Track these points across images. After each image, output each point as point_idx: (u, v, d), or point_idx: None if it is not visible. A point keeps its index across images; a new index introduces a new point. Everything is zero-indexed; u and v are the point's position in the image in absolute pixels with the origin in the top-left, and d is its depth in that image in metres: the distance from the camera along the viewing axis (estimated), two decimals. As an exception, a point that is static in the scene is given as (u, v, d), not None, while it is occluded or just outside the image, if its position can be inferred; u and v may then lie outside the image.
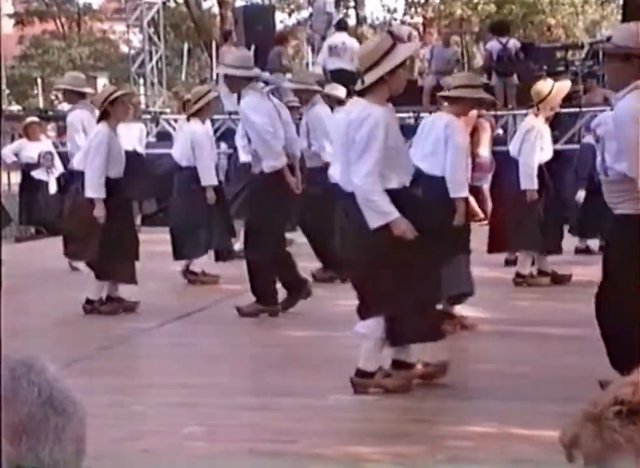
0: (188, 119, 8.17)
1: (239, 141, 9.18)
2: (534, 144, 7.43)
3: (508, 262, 8.24)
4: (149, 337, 6.26)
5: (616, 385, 1.26)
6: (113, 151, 6.79)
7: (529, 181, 7.38)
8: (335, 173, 4.88)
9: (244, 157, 8.65)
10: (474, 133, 12.12)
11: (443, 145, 5.74)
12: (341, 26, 14.47)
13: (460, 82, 6.13)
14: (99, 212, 6.64)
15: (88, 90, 8.41)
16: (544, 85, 7.57)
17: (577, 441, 1.23)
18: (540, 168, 7.49)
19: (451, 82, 6.45)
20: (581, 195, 8.86)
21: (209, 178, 7.85)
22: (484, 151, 12.30)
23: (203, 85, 10.57)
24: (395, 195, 4.49)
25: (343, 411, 4.41)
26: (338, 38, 14.15)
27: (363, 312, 4.63)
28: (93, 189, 6.68)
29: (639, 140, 4.08)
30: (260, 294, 6.63)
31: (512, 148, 7.72)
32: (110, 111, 6.78)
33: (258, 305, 6.60)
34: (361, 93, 4.60)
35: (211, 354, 5.73)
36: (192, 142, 7.86)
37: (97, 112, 7.11)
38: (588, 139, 8.53)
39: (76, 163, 6.96)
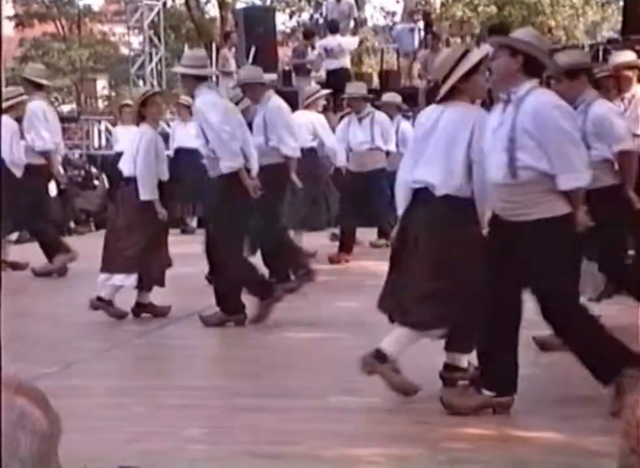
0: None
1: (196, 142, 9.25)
2: None
3: None
4: (150, 339, 6.26)
5: None
6: (159, 153, 6.82)
7: None
8: (419, 177, 4.61)
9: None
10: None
11: None
12: (334, 28, 14.51)
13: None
14: (160, 210, 6.70)
15: (45, 82, 8.50)
16: None
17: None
18: None
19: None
20: None
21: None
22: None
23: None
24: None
25: (344, 412, 4.41)
26: (332, 40, 14.24)
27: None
28: (149, 191, 6.67)
29: (568, 136, 4.10)
30: (224, 302, 6.44)
31: None
32: (144, 113, 6.77)
33: (223, 315, 6.40)
34: (442, 103, 4.58)
35: (211, 356, 5.74)
36: None
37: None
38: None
39: (127, 170, 6.88)
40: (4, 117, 8.70)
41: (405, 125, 9.96)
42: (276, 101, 7.62)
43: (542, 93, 4.24)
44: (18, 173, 8.53)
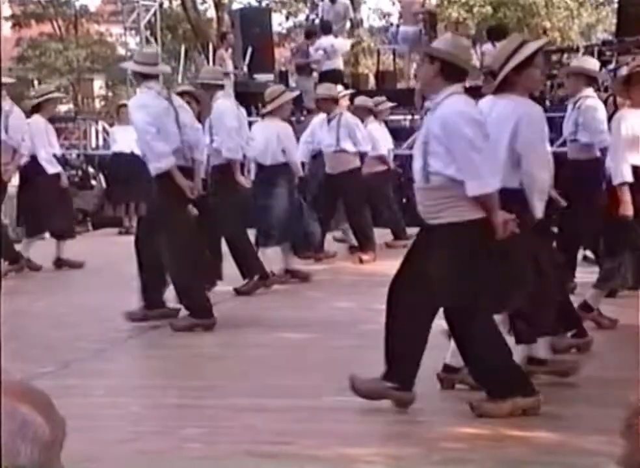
0: (262, 117, 8.24)
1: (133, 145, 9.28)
2: None
3: None
4: (147, 339, 6.27)
5: None
6: None
7: None
8: None
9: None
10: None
11: None
12: (327, 29, 14.52)
13: None
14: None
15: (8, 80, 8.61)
16: None
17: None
18: None
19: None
20: None
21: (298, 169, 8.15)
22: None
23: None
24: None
25: (340, 412, 4.43)
26: (325, 41, 14.25)
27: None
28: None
29: (471, 144, 4.12)
30: (191, 306, 6.36)
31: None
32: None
33: (192, 319, 6.31)
34: (496, 94, 4.60)
35: (208, 356, 5.75)
36: (279, 140, 7.89)
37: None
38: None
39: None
40: (36, 116, 8.91)
41: (372, 126, 9.83)
42: (221, 103, 7.60)
43: (455, 99, 4.25)
44: (51, 170, 8.86)
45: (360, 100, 10.27)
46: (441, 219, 4.20)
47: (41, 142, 8.93)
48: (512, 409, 4.25)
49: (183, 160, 6.41)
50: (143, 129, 6.32)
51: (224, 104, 7.67)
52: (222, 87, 7.84)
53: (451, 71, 4.24)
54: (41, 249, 9.12)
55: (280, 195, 7.96)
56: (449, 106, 4.22)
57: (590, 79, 7.07)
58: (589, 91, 7.08)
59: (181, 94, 7.12)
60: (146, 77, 6.52)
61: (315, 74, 14.29)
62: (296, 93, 9.96)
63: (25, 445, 1.10)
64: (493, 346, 4.28)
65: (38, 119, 9.02)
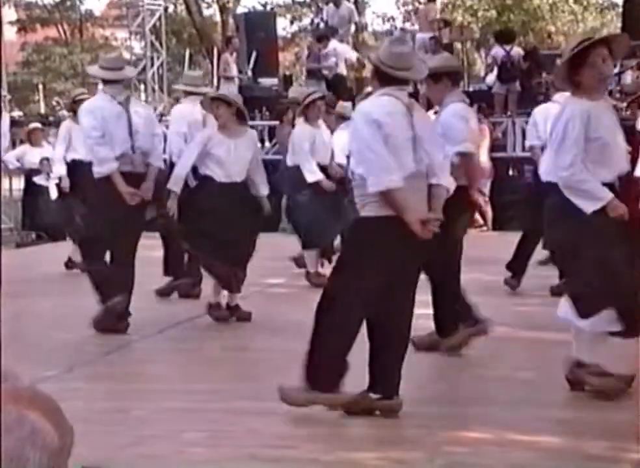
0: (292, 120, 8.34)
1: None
2: None
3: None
4: (150, 343, 6.27)
5: None
6: None
7: None
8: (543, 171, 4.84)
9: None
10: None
11: None
12: (331, 34, 14.56)
13: None
14: None
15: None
16: None
17: None
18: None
19: None
20: None
21: (314, 175, 8.09)
22: (483, 156, 12.34)
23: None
24: None
25: (343, 416, 4.42)
26: (329, 45, 14.27)
27: (586, 306, 4.52)
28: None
29: (366, 143, 4.27)
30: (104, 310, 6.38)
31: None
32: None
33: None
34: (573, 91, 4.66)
35: (211, 359, 5.74)
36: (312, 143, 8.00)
37: None
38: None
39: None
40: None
41: (339, 133, 9.17)
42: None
43: (370, 99, 4.52)
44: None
45: (338, 107, 10.14)
46: (362, 213, 4.40)
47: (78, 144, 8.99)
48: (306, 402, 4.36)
49: (131, 165, 6.40)
50: (87, 134, 6.43)
51: (180, 110, 7.99)
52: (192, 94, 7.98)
53: (381, 75, 4.43)
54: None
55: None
56: (360, 106, 4.59)
57: None
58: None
59: (212, 99, 7.13)
60: (107, 82, 6.55)
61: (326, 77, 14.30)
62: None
63: (34, 452, 1.10)
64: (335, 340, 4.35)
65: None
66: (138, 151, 6.43)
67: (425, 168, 4.37)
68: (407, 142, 4.32)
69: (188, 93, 8.00)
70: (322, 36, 14.86)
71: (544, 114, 7.63)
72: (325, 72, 14.32)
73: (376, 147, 4.24)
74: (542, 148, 7.17)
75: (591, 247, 4.45)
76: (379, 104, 4.37)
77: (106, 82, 6.56)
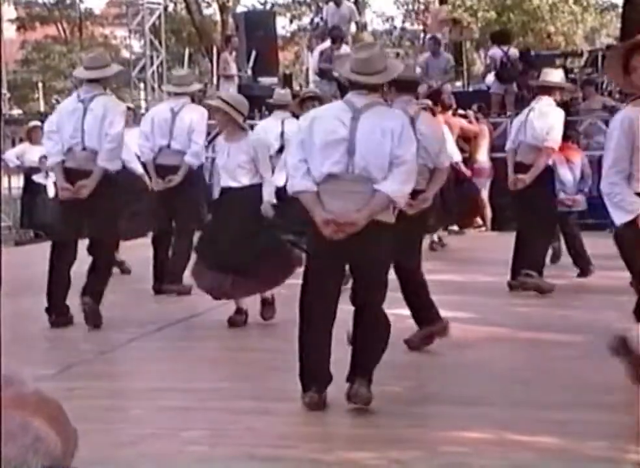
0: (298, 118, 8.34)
1: None
2: None
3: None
4: (149, 341, 6.27)
5: None
6: None
7: None
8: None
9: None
10: (473, 139, 12.21)
11: None
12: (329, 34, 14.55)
13: None
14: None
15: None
16: None
17: None
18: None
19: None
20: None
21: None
22: (483, 156, 12.36)
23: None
24: None
25: (343, 416, 4.42)
26: (329, 44, 14.26)
27: None
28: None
29: (292, 148, 4.57)
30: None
31: None
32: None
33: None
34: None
35: (210, 358, 5.74)
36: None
37: None
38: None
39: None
40: None
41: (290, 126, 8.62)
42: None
43: (326, 105, 4.97)
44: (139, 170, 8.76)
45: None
46: None
47: None
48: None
49: (73, 161, 6.48)
50: (45, 128, 6.83)
51: (157, 109, 8.32)
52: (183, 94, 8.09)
53: (349, 81, 4.60)
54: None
55: None
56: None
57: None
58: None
59: (209, 107, 7.19)
60: (91, 81, 6.59)
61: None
62: None
63: (37, 459, 1.10)
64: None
65: None
66: (89, 150, 6.47)
67: (362, 171, 4.35)
68: (333, 144, 4.36)
69: (175, 94, 8.15)
70: (337, 37, 14.84)
71: (518, 119, 7.78)
72: (337, 73, 14.32)
73: (292, 152, 4.55)
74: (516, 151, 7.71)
75: None
76: (316, 110, 4.80)
77: (91, 81, 6.62)
